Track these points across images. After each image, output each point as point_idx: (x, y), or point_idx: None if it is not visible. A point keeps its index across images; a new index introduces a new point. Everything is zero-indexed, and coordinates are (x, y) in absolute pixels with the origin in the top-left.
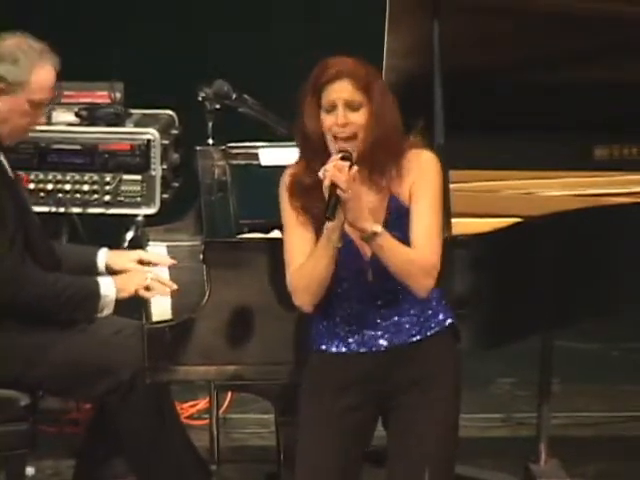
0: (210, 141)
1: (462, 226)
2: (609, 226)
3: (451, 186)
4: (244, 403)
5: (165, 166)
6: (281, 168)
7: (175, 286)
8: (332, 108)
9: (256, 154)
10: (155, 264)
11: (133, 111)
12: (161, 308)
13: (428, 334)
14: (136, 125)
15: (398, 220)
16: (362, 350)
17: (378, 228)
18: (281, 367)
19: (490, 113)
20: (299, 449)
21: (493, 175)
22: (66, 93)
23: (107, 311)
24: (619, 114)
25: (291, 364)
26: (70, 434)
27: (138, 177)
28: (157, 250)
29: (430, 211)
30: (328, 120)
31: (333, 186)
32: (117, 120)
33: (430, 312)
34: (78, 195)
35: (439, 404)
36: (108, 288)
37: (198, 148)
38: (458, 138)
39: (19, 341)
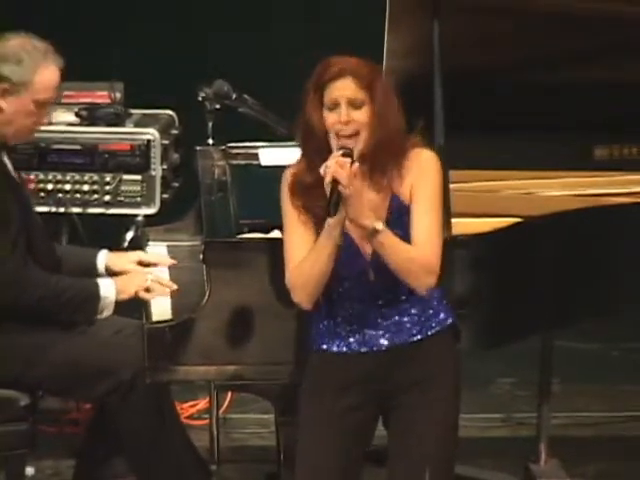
0: (210, 141)
1: (462, 226)
2: (609, 226)
3: (451, 186)
4: (244, 403)
5: (165, 166)
6: (281, 168)
7: (175, 286)
8: (335, 106)
9: (256, 154)
10: (155, 265)
11: (133, 111)
12: (161, 308)
13: (429, 334)
14: (136, 125)
15: (399, 219)
16: (363, 350)
17: (379, 225)
18: (281, 367)
19: (490, 113)
20: (299, 449)
21: (493, 175)
22: (66, 93)
23: (107, 313)
24: (619, 114)
25: (291, 364)
26: (70, 434)
27: (138, 177)
28: (157, 250)
29: (430, 210)
30: (331, 118)
31: (334, 182)
32: (117, 120)
33: (431, 312)
34: (78, 195)
35: (439, 404)
36: (108, 290)
37: (198, 148)
38: (458, 138)
39: (19, 341)
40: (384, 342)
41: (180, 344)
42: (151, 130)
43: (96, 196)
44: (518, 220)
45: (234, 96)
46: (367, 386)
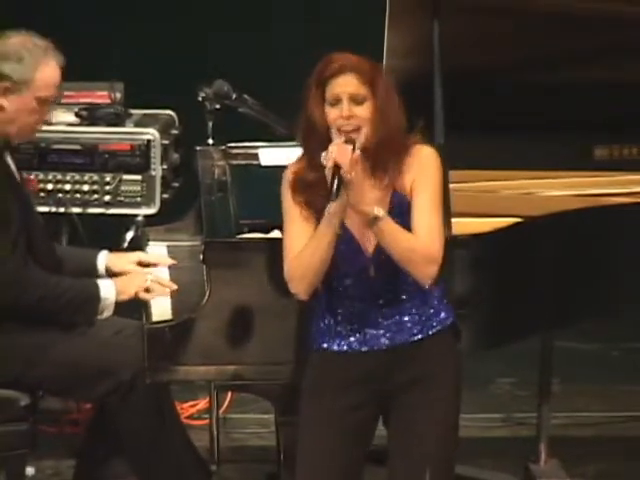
0: (210, 141)
1: (462, 226)
2: (609, 226)
3: (451, 186)
4: (244, 403)
5: (165, 166)
6: (281, 168)
7: (175, 286)
8: (336, 102)
9: (256, 154)
10: (155, 265)
11: (133, 111)
12: (161, 308)
13: (430, 333)
14: (136, 125)
15: (401, 215)
16: (364, 349)
17: (380, 212)
18: (281, 367)
19: (490, 113)
20: (299, 449)
21: (493, 175)
22: (66, 93)
23: (107, 313)
24: (619, 114)
25: (291, 364)
26: (70, 434)
27: (138, 177)
28: (157, 250)
29: (431, 203)
30: (332, 113)
31: (336, 167)
32: (117, 120)
33: (432, 311)
34: (78, 195)
35: (439, 404)
36: (108, 291)
37: (198, 148)
38: (458, 138)
39: (19, 341)
40: (385, 341)
41: (180, 344)
42: (151, 130)
43: (96, 196)
44: (518, 220)
45: (234, 96)
46: (367, 386)
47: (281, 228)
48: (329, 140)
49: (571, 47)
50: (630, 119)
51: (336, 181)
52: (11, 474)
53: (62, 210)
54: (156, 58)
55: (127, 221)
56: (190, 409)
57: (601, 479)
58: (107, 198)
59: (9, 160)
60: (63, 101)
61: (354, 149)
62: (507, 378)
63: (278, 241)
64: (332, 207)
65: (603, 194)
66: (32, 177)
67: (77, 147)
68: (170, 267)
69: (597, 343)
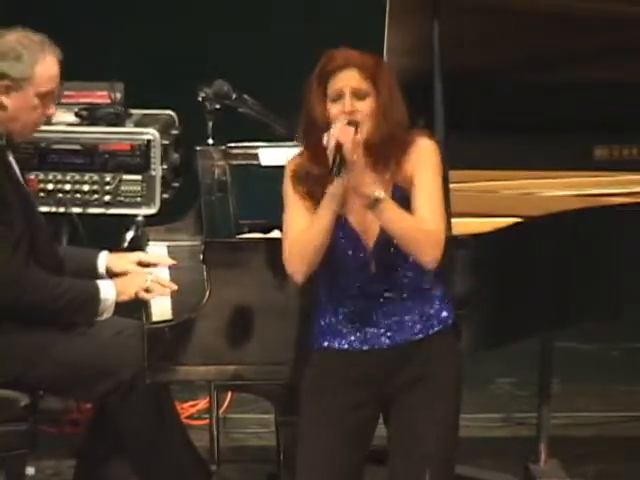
0: (210, 141)
1: (462, 226)
2: (609, 226)
3: (451, 186)
4: (244, 403)
5: (165, 166)
6: (281, 168)
7: (175, 286)
8: (339, 97)
9: (256, 154)
10: (155, 265)
11: (133, 111)
12: (161, 308)
13: (430, 333)
14: (136, 125)
15: (403, 207)
16: (364, 348)
17: (381, 194)
18: (281, 367)
19: (490, 113)
20: (300, 449)
21: (493, 175)
22: (66, 93)
23: (107, 314)
24: (619, 114)
25: (291, 364)
26: (70, 434)
27: (138, 177)
28: (157, 250)
29: (431, 189)
30: (334, 109)
31: (338, 146)
32: (117, 120)
33: (433, 311)
34: (78, 195)
35: (439, 404)
36: (108, 292)
37: (198, 148)
38: (458, 138)
39: (19, 341)
40: (385, 340)
41: (180, 344)
42: (151, 130)
43: (96, 196)
44: (518, 220)
45: (234, 96)
46: (367, 387)
47: (281, 228)
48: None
49: (571, 47)
50: (630, 119)
51: (338, 159)
52: (11, 474)
53: (62, 210)
54: (156, 58)
55: (127, 221)
56: (190, 409)
57: (601, 479)
58: (107, 198)
59: (12, 160)
60: (63, 101)
61: (356, 131)
62: (507, 378)
63: (278, 241)
64: (333, 186)
65: (603, 194)
66: (32, 177)
67: (77, 147)
68: (170, 267)
69: (597, 343)
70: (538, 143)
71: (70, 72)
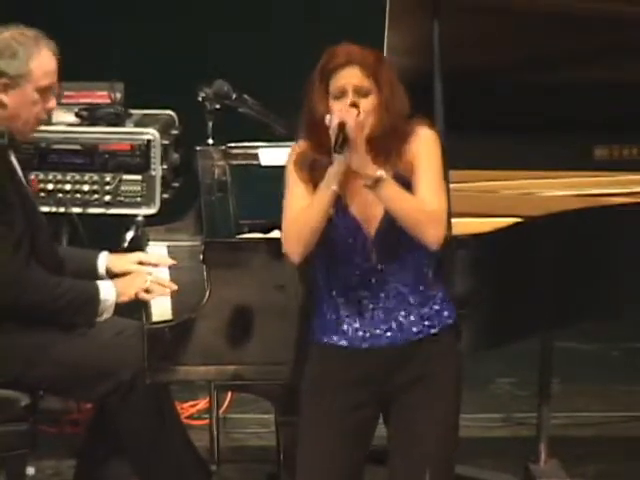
0: (210, 141)
1: (462, 226)
2: (609, 226)
3: (451, 186)
4: (244, 403)
5: (165, 166)
6: (281, 168)
7: (175, 287)
8: (341, 94)
9: (256, 154)
10: (155, 265)
11: (133, 111)
12: (161, 308)
13: (431, 332)
14: (136, 125)
15: None
16: (364, 346)
17: (382, 173)
18: (281, 367)
19: (490, 113)
20: (300, 450)
21: (493, 175)
22: (66, 93)
23: (106, 315)
24: (619, 114)
25: (291, 364)
26: (70, 434)
27: (138, 177)
28: (157, 250)
29: (432, 171)
30: (337, 106)
31: (341, 125)
32: (117, 120)
33: (434, 311)
34: (78, 195)
35: (439, 404)
36: (108, 292)
37: (198, 148)
38: (458, 138)
39: (19, 341)
40: (386, 339)
41: (180, 344)
42: (151, 130)
43: (96, 196)
44: (518, 220)
45: (234, 96)
46: (367, 387)
47: (281, 228)
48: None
49: (571, 47)
50: (630, 119)
51: (340, 139)
52: (11, 474)
53: (62, 210)
54: (156, 58)
55: (127, 221)
56: (190, 409)
57: (601, 479)
58: (107, 198)
59: (13, 160)
60: (63, 101)
61: (359, 113)
62: (507, 378)
63: (278, 241)
64: (334, 165)
65: (603, 194)
66: (32, 177)
67: (77, 147)
68: (170, 267)
69: (597, 343)
70: (538, 143)
71: (70, 72)
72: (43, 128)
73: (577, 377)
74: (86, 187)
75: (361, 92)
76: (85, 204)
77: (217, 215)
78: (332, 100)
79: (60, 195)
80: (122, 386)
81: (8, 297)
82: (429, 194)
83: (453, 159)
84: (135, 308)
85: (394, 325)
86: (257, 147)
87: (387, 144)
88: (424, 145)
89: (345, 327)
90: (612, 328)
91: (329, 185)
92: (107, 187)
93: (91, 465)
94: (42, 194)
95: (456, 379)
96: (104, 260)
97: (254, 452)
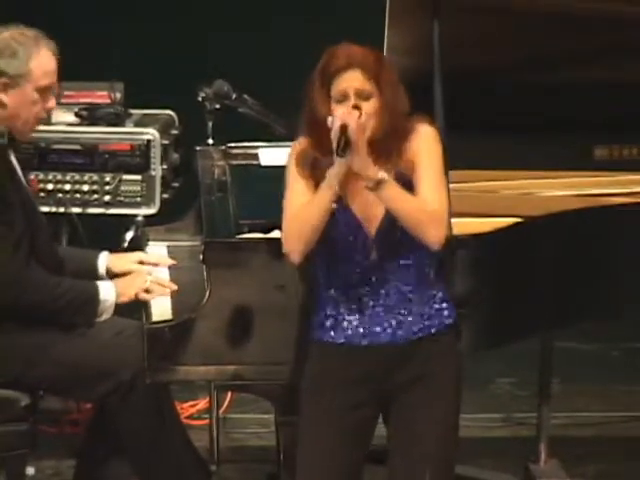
0: (210, 141)
1: (462, 226)
2: (609, 226)
3: (451, 186)
4: (244, 403)
5: (165, 166)
6: (281, 168)
7: (175, 287)
8: (343, 98)
9: (256, 154)
10: (155, 265)
11: (133, 111)
12: (161, 308)
13: (431, 332)
14: (136, 125)
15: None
16: (363, 343)
17: (384, 175)
18: (281, 367)
19: (490, 113)
20: (300, 449)
21: (493, 175)
22: (66, 93)
23: (106, 315)
24: (619, 114)
25: (291, 364)
26: (70, 434)
27: (138, 177)
28: (157, 250)
29: (433, 169)
30: (339, 110)
31: (343, 127)
32: (117, 120)
33: (433, 310)
34: (78, 195)
35: (439, 403)
36: (108, 293)
37: (198, 148)
38: (458, 138)
39: (19, 341)
40: (385, 337)
41: (180, 344)
42: (151, 130)
43: (96, 196)
44: (518, 220)
45: (234, 96)
46: (367, 385)
47: (281, 228)
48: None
49: (571, 47)
50: (630, 119)
51: (342, 141)
52: (11, 474)
53: (62, 210)
54: (156, 58)
55: (127, 221)
56: (190, 409)
57: (601, 479)
58: (107, 198)
59: (13, 159)
60: (63, 101)
61: (360, 115)
62: (507, 378)
63: (278, 241)
64: (336, 166)
65: (603, 194)
66: (32, 177)
67: (77, 147)
68: (170, 267)
69: (597, 343)
70: (538, 143)
71: (70, 72)
72: (43, 128)
73: (577, 377)
74: (86, 187)
75: (363, 95)
76: (85, 204)
77: (217, 215)
78: (334, 104)
79: (60, 195)
80: (122, 386)
81: (8, 297)
82: (430, 194)
83: (453, 159)
84: (135, 308)
85: (394, 323)
86: (257, 147)
87: (388, 145)
88: (425, 142)
89: (345, 324)
90: (612, 328)
91: (330, 185)
92: (107, 187)
93: (91, 465)
94: (42, 194)
95: (456, 379)
96: (104, 260)
97: (254, 452)
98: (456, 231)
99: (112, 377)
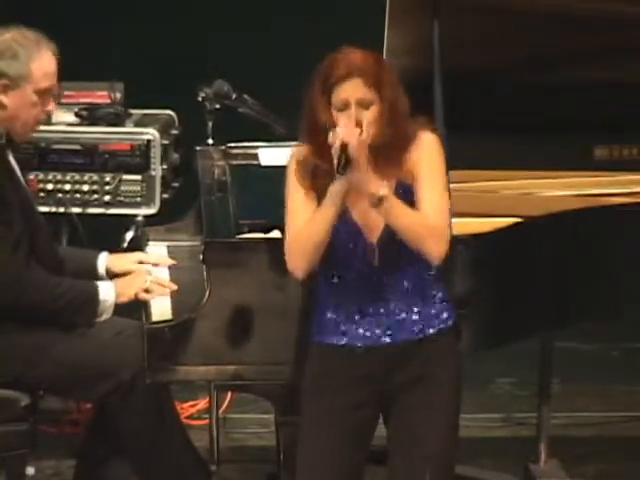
0: (210, 141)
1: (462, 226)
2: (609, 226)
3: (451, 186)
4: (244, 403)
5: (165, 166)
6: (281, 168)
7: (175, 287)
8: (345, 106)
9: (256, 154)
10: (155, 265)
11: (133, 111)
12: (161, 308)
13: (431, 332)
14: (136, 125)
15: (407, 203)
16: (364, 345)
17: (385, 191)
18: (281, 367)
19: (490, 113)
20: (300, 450)
21: (493, 175)
22: (66, 93)
23: (106, 315)
24: (619, 114)
25: (291, 364)
26: (70, 434)
27: (138, 177)
28: (157, 250)
29: (435, 183)
30: (341, 119)
31: (343, 145)
32: (117, 120)
33: (434, 311)
34: (78, 195)
35: (439, 405)
36: (107, 293)
37: (198, 148)
38: (458, 138)
39: (19, 341)
40: (386, 339)
41: (180, 344)
42: (151, 130)
43: (96, 196)
44: (518, 220)
45: (234, 96)
46: (368, 386)
47: (281, 228)
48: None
49: (571, 47)
50: (630, 119)
51: (343, 159)
52: (11, 474)
53: (62, 210)
54: (156, 58)
55: (127, 221)
56: (190, 409)
57: (601, 479)
58: (107, 198)
59: (12, 159)
60: (63, 101)
61: (361, 131)
62: (507, 378)
63: (278, 241)
64: (336, 185)
65: (603, 194)
66: (32, 177)
67: (77, 147)
68: (170, 267)
69: (597, 343)
70: (538, 143)
71: (70, 72)
72: (43, 128)
73: (577, 377)
74: (86, 187)
75: (363, 104)
76: (85, 204)
77: (217, 215)
78: (335, 112)
79: (60, 195)
80: (122, 386)
81: (8, 297)
82: (432, 208)
83: (453, 159)
84: (135, 308)
85: (394, 325)
86: (257, 147)
87: (390, 151)
88: (427, 152)
89: (345, 327)
90: (612, 328)
91: (332, 203)
92: (107, 187)
93: (91, 465)
94: (42, 194)
95: (456, 379)
96: (104, 260)
97: (254, 452)
98: (456, 231)
99: (112, 377)
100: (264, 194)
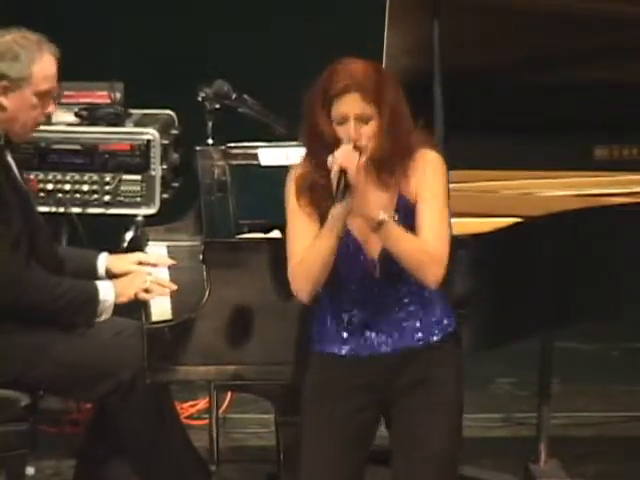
0: (210, 141)
1: (462, 226)
2: (609, 226)
3: (451, 186)
4: (244, 403)
5: (165, 166)
6: (281, 168)
7: (175, 287)
8: (344, 120)
9: (256, 154)
10: (155, 265)
11: (133, 111)
12: (161, 308)
13: (432, 340)
14: (136, 125)
15: (406, 218)
16: (365, 354)
17: (385, 216)
18: (281, 367)
19: (490, 113)
20: (301, 459)
21: (493, 175)
22: (66, 93)
23: (105, 316)
24: (619, 114)
25: (291, 364)
26: (70, 434)
27: (138, 177)
28: (157, 250)
29: (436, 206)
30: (342, 131)
31: (342, 171)
32: (117, 120)
33: (434, 318)
34: (78, 195)
35: (440, 406)
36: (107, 293)
37: (198, 148)
38: (458, 138)
39: (19, 341)
40: (386, 348)
41: (180, 344)
42: (151, 130)
43: (96, 196)
44: (518, 220)
45: (234, 96)
46: (368, 392)
47: (281, 228)
48: (337, 147)
49: (571, 47)
50: (630, 119)
51: (342, 184)
52: (11, 474)
53: (62, 210)
54: (156, 58)
55: (127, 221)
56: (190, 409)
57: (601, 479)
58: (107, 198)
59: (10, 160)
60: (63, 101)
61: (361, 155)
62: (507, 378)
63: (278, 241)
64: (336, 211)
65: (603, 194)
66: (32, 177)
67: (77, 147)
68: (170, 267)
69: (597, 343)
70: (538, 143)
71: (70, 72)
72: (43, 128)
73: (577, 377)
74: (86, 187)
75: (362, 119)
76: (85, 204)
77: (217, 215)
78: (336, 125)
79: (60, 195)
80: (122, 386)
81: (8, 297)
82: (432, 234)
83: (453, 159)
84: (135, 308)
85: (395, 333)
86: (257, 147)
87: (390, 164)
88: (430, 173)
89: (345, 336)
90: (612, 328)
91: (333, 228)
92: (107, 187)
93: (91, 465)
94: (42, 194)
95: (457, 380)
96: (104, 260)
97: (254, 452)
98: (456, 231)
99: (112, 377)
100: (264, 194)
